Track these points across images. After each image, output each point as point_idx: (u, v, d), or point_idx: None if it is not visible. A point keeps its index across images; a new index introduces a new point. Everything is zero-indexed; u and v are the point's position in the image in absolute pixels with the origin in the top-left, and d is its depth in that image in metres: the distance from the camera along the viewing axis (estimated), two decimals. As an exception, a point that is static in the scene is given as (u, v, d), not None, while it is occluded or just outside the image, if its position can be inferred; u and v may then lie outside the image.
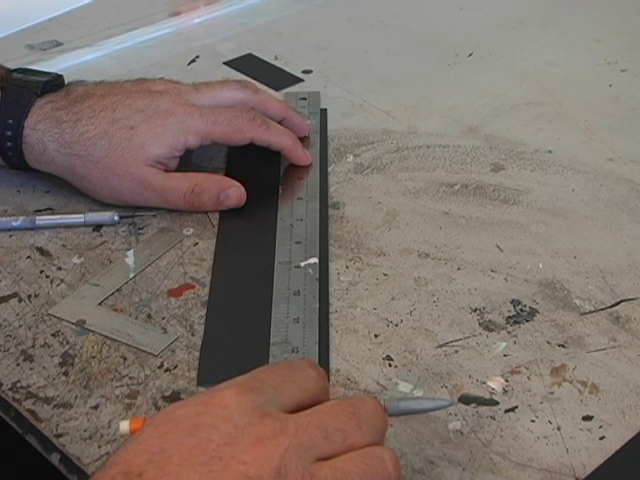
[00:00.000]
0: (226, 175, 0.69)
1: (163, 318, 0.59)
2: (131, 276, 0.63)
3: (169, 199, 0.66)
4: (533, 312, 0.60)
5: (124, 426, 0.45)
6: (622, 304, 0.60)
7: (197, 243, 0.65)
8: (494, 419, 0.53)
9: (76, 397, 0.54)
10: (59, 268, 0.63)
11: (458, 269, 0.63)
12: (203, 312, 0.60)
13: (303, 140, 0.73)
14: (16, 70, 0.68)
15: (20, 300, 0.61)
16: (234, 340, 0.57)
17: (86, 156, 0.65)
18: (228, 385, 0.44)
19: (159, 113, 0.65)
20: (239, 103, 0.69)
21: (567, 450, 0.51)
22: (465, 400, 0.54)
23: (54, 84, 0.68)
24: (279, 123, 0.71)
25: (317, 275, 0.61)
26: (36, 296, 0.61)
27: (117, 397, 0.54)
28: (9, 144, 0.66)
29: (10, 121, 0.65)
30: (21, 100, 0.66)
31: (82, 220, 0.66)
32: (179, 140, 0.66)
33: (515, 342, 0.58)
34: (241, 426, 0.41)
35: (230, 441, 0.41)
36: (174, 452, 0.40)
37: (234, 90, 0.70)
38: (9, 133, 0.65)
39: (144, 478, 0.40)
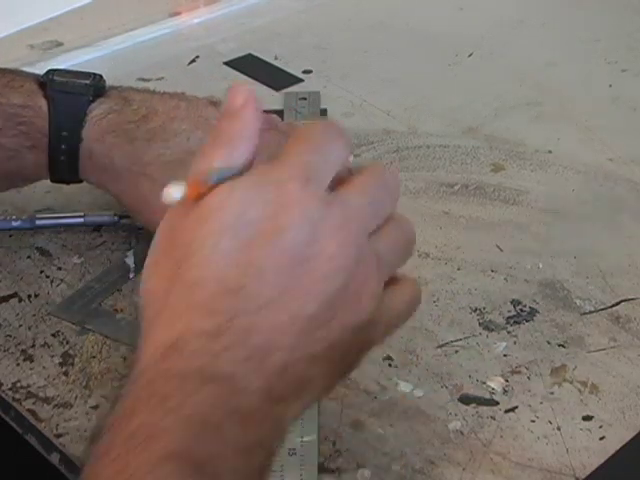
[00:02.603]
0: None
1: (163, 318, 0.59)
2: (131, 276, 0.63)
3: None
4: (533, 312, 0.60)
5: (176, 191, 0.40)
6: (622, 304, 0.60)
7: (197, 243, 0.65)
8: (494, 419, 0.53)
9: (76, 397, 0.54)
10: (59, 268, 0.63)
11: (458, 269, 0.63)
12: (203, 312, 0.60)
13: None
14: (52, 73, 0.62)
15: (20, 300, 0.61)
16: (234, 340, 0.57)
17: (159, 180, 0.59)
18: (283, 178, 0.41)
19: None
20: None
21: (567, 450, 0.51)
22: (465, 400, 0.54)
23: (100, 87, 0.62)
24: None
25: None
26: (36, 296, 0.61)
27: (117, 397, 0.54)
28: (63, 158, 0.60)
29: (64, 133, 0.60)
30: (73, 109, 0.60)
31: (82, 220, 0.66)
32: None
33: (515, 342, 0.58)
34: (317, 221, 0.41)
35: (312, 239, 0.40)
36: (265, 261, 0.40)
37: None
38: (64, 147, 0.60)
39: (247, 291, 0.40)
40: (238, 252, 0.40)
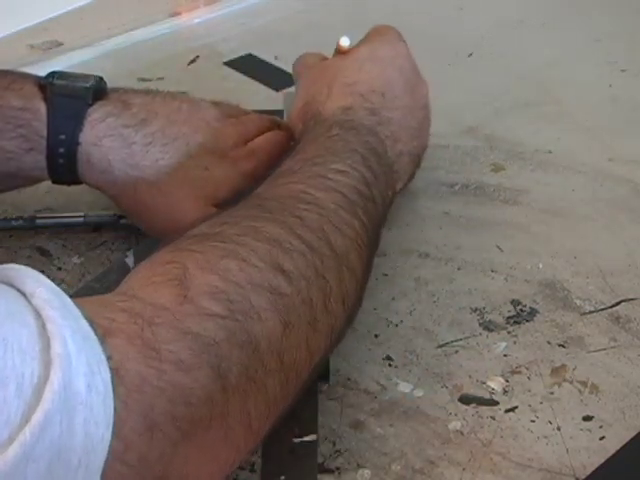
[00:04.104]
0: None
1: (163, 318, 0.59)
2: (131, 276, 0.63)
3: None
4: (533, 312, 0.60)
5: (346, 41, 0.65)
6: (622, 304, 0.61)
7: (197, 243, 0.65)
8: (494, 419, 0.53)
9: (76, 397, 0.54)
10: (59, 268, 0.63)
11: (458, 269, 0.63)
12: (203, 312, 0.60)
13: None
14: (53, 75, 0.62)
15: (20, 300, 0.61)
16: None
17: (156, 183, 0.61)
18: (394, 40, 0.66)
19: (228, 159, 0.63)
20: None
21: (567, 450, 0.51)
22: (465, 400, 0.54)
23: (100, 89, 0.62)
24: None
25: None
26: (36, 296, 0.61)
27: (117, 397, 0.54)
28: (61, 161, 0.61)
29: (62, 136, 0.60)
30: (72, 112, 0.60)
31: (82, 220, 0.66)
32: (244, 185, 0.63)
33: (515, 342, 0.58)
34: (415, 65, 0.66)
35: (416, 74, 0.66)
36: (395, 84, 0.64)
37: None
38: (62, 150, 0.60)
39: (387, 96, 0.62)
40: (377, 71, 0.64)
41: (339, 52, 0.66)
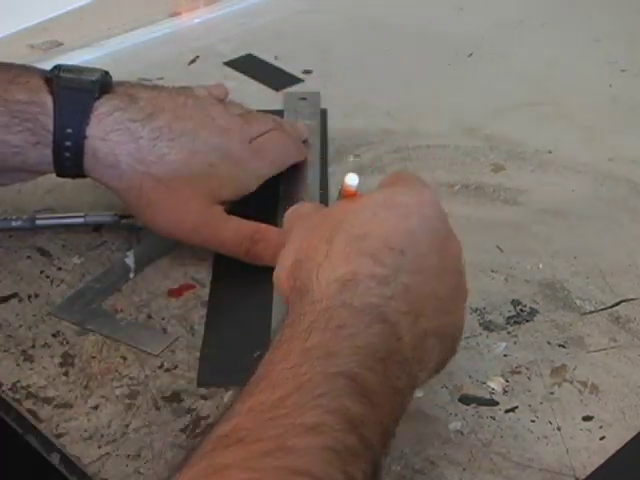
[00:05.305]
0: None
1: (163, 318, 0.59)
2: (131, 276, 0.63)
3: (226, 242, 0.62)
4: (533, 312, 0.60)
5: (353, 179, 0.50)
6: (622, 304, 0.61)
7: (197, 243, 0.65)
8: (494, 419, 0.53)
9: (76, 397, 0.54)
10: (59, 268, 0.63)
11: (458, 269, 0.63)
12: (203, 312, 0.60)
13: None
14: (58, 69, 0.62)
15: (20, 300, 0.61)
16: (234, 340, 0.57)
17: (163, 179, 0.61)
18: (420, 186, 0.52)
19: (232, 157, 0.63)
20: None
21: (567, 450, 0.51)
22: (465, 400, 0.54)
23: (106, 83, 0.62)
24: None
25: (317, 275, 0.61)
26: (36, 296, 0.61)
27: (117, 397, 0.54)
28: (68, 155, 0.60)
29: (69, 130, 0.60)
30: (78, 105, 0.60)
31: (82, 220, 0.66)
32: (250, 186, 0.64)
33: (515, 342, 0.58)
34: (446, 221, 0.50)
35: (448, 231, 0.50)
36: (419, 239, 0.48)
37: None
38: (68, 143, 0.60)
39: (406, 255, 0.47)
40: (396, 221, 0.48)
41: (345, 195, 0.52)
